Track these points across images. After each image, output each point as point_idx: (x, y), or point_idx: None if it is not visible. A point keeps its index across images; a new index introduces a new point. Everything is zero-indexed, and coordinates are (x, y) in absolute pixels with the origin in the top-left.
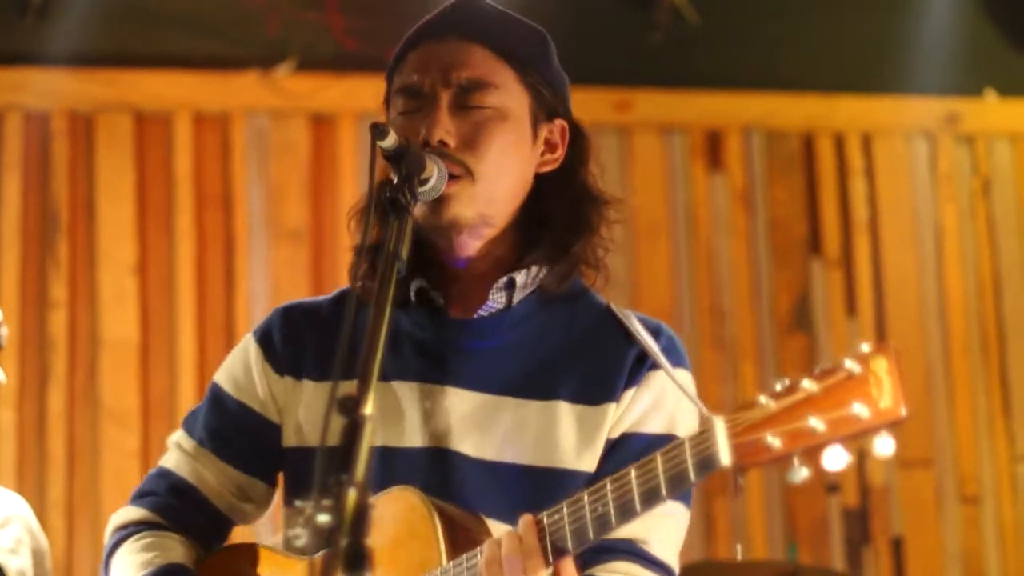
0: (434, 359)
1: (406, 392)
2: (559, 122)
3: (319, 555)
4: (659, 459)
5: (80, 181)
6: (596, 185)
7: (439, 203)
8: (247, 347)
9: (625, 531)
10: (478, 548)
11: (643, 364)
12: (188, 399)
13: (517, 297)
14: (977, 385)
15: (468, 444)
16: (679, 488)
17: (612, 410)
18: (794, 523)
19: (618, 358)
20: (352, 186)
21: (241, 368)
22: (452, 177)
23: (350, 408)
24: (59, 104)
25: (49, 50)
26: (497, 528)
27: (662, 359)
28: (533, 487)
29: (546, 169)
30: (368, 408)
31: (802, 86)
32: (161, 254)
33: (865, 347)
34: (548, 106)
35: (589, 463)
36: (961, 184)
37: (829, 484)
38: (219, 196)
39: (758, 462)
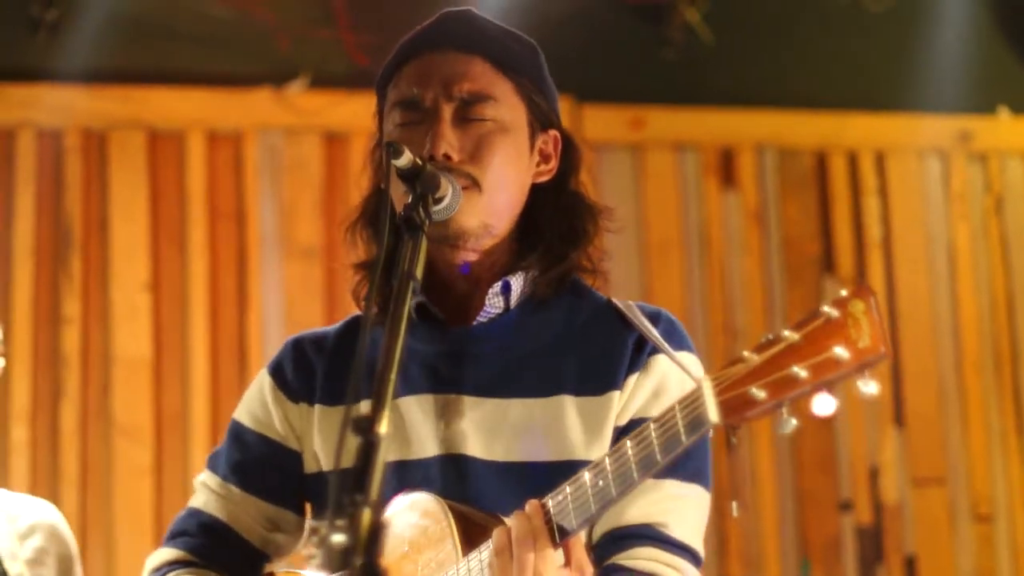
0: (438, 370)
1: (414, 405)
2: (552, 133)
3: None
4: (652, 426)
5: (93, 198)
6: (588, 195)
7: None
8: (262, 381)
9: (642, 515)
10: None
11: (643, 350)
12: (201, 416)
13: (514, 300)
14: (990, 403)
15: (479, 448)
16: (672, 451)
17: (616, 398)
18: (807, 541)
19: (617, 346)
20: None
21: (258, 402)
22: (462, 189)
23: (364, 428)
24: (72, 121)
25: (62, 67)
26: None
27: (662, 342)
28: (547, 483)
29: (541, 180)
30: (383, 427)
31: (815, 104)
32: (174, 271)
33: (843, 292)
34: (542, 117)
35: (599, 452)
36: (974, 202)
37: (842, 502)
38: (232, 213)
39: (747, 416)
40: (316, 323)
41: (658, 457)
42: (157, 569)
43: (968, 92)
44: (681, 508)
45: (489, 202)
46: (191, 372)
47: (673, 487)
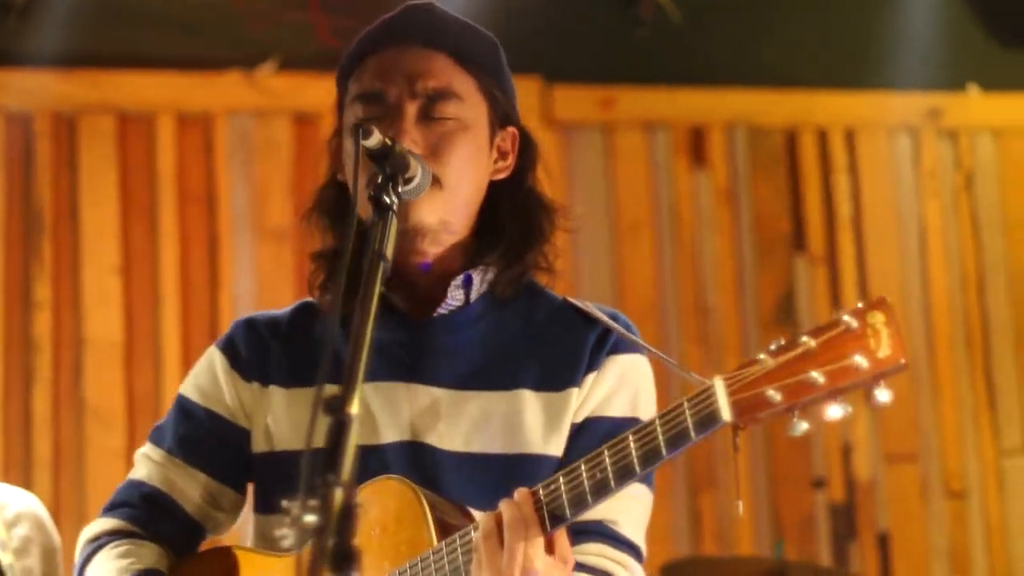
0: (399, 359)
1: (373, 393)
2: (511, 129)
3: (305, 550)
4: (658, 422)
5: (63, 182)
6: (544, 192)
7: (404, 208)
8: (211, 357)
9: (597, 512)
10: (470, 525)
11: (602, 349)
12: (172, 399)
13: (474, 294)
14: (962, 380)
15: (437, 437)
16: (679, 446)
17: (575, 394)
18: (780, 519)
19: (577, 344)
20: None
21: (207, 378)
22: None
23: (336, 408)
24: (42, 105)
25: (31, 51)
26: (476, 516)
27: (628, 334)
28: (503, 474)
29: (499, 177)
30: (354, 408)
31: (785, 82)
32: (145, 254)
33: (860, 304)
34: (502, 113)
35: (556, 447)
36: (944, 179)
37: (815, 480)
38: (202, 196)
39: (759, 417)
40: (287, 305)
41: (664, 452)
42: (95, 539)
43: (938, 69)
44: (632, 507)
45: (449, 199)
46: (163, 355)
47: (631, 487)
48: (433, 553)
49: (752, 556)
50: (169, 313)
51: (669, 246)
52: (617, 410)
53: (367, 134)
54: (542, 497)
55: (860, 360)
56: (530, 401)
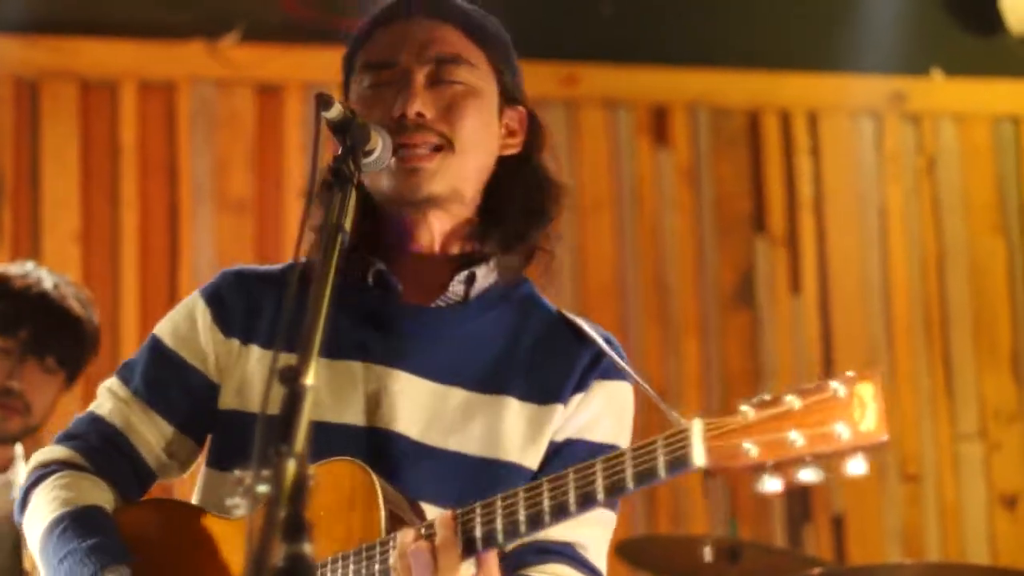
0: (388, 342)
1: (356, 371)
2: (520, 109)
3: (253, 516)
4: (629, 455)
5: (24, 149)
6: (552, 173)
7: (414, 177)
8: (194, 304)
9: (566, 535)
10: (393, 534)
11: (593, 371)
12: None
13: (475, 291)
14: (920, 364)
15: (413, 428)
16: (646, 483)
17: (560, 412)
18: (735, 499)
19: (569, 362)
20: (298, 157)
21: (185, 325)
22: (435, 149)
23: (291, 378)
24: (3, 71)
25: None
26: (432, 513)
27: (616, 359)
28: (475, 477)
29: (507, 152)
30: (309, 379)
31: (748, 63)
32: (105, 223)
33: (851, 373)
34: (510, 92)
35: (533, 460)
36: (906, 163)
37: None
38: (164, 165)
39: (732, 467)
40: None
41: (630, 485)
42: (44, 464)
43: (902, 53)
44: (601, 534)
45: (462, 164)
46: (121, 324)
47: (601, 513)
48: (354, 553)
49: (706, 535)
50: (128, 282)
51: (630, 225)
52: (600, 435)
53: (327, 105)
54: (463, 521)
55: (842, 430)
56: (514, 410)
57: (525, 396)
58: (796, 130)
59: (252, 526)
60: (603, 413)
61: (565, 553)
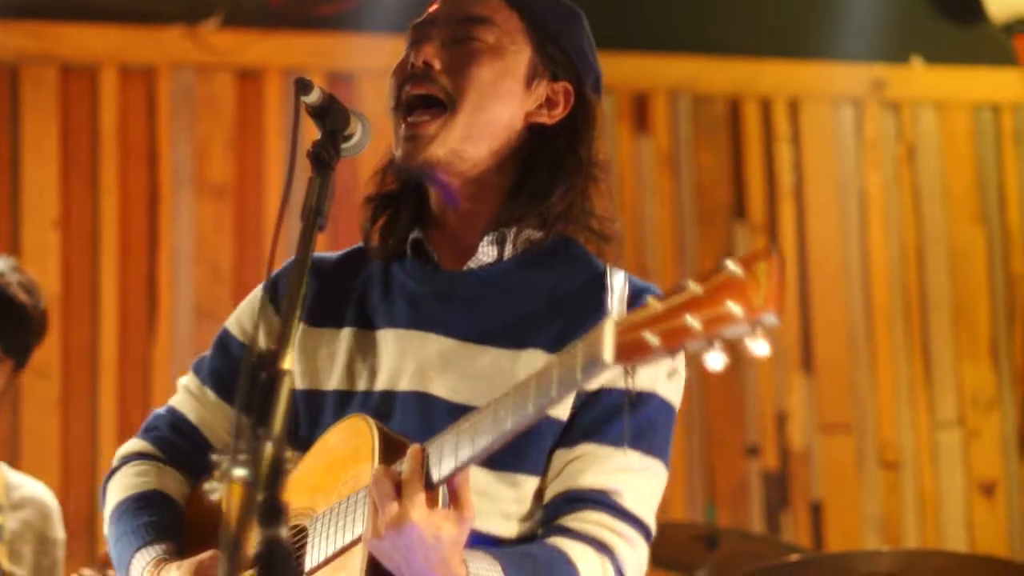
0: (422, 307)
1: (392, 338)
2: (563, 83)
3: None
4: (555, 361)
5: (3, 134)
6: (586, 148)
7: (412, 143)
8: (255, 294)
9: (598, 481)
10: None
11: None
12: (109, 352)
13: (507, 252)
14: (899, 352)
15: (445, 388)
16: (569, 389)
17: None
18: (713, 485)
19: (596, 313)
20: (278, 142)
21: (248, 313)
22: (434, 114)
23: (268, 363)
24: None
25: None
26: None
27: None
28: None
29: (539, 120)
30: (287, 363)
31: (729, 50)
32: (84, 208)
33: (752, 253)
34: (554, 66)
35: (561, 411)
36: (886, 151)
37: (749, 447)
38: (144, 151)
39: (640, 360)
40: (226, 261)
41: (554, 393)
42: (122, 457)
43: (882, 41)
44: (638, 480)
45: (465, 125)
46: (100, 309)
47: (634, 459)
48: (348, 499)
49: (685, 522)
50: (108, 268)
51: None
52: (634, 384)
53: (307, 90)
54: (429, 453)
55: (735, 308)
56: (540, 361)
57: (551, 347)
58: (776, 117)
59: (228, 510)
60: None
61: (598, 500)
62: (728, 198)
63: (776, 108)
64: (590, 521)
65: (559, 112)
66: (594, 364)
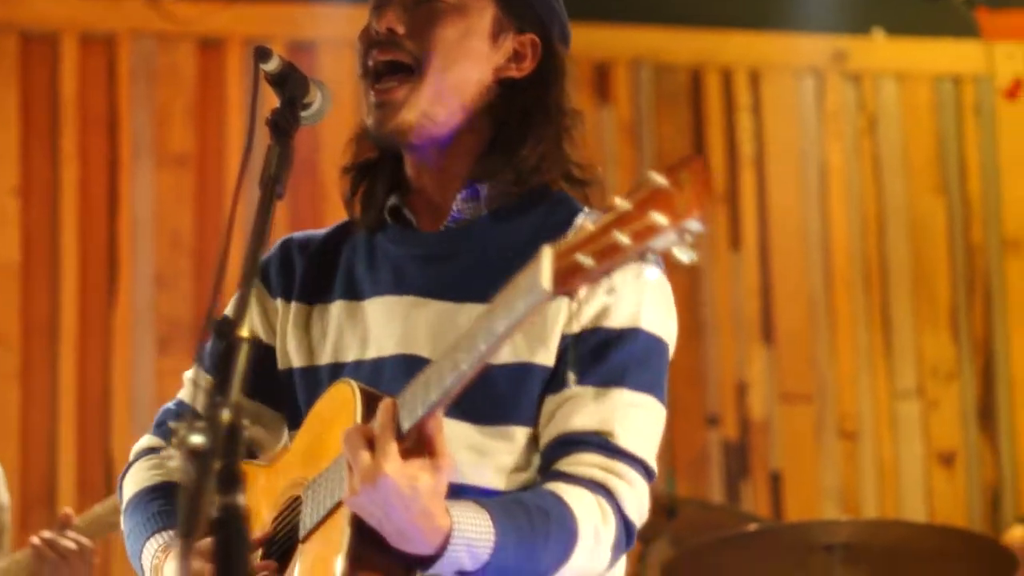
0: (404, 272)
1: (379, 306)
2: (530, 35)
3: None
4: (500, 295)
5: None
6: (556, 99)
7: (380, 110)
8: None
9: (590, 422)
10: None
11: None
12: (70, 321)
13: (482, 208)
14: (859, 322)
15: (429, 348)
16: (514, 322)
17: (566, 304)
18: (673, 455)
19: None
20: (239, 112)
21: None
22: (399, 73)
23: (226, 331)
24: None
25: None
26: (456, 426)
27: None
28: (493, 383)
29: (508, 75)
30: (244, 331)
31: (691, 21)
32: (44, 176)
33: (675, 163)
34: (519, 20)
35: (544, 357)
36: (847, 122)
37: (709, 417)
38: (104, 119)
39: (579, 283)
40: (187, 230)
41: (499, 328)
42: (138, 452)
43: (844, 12)
44: (632, 417)
45: (431, 86)
46: (60, 278)
47: (625, 395)
48: (333, 463)
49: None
50: (68, 236)
51: None
52: (615, 321)
53: (266, 57)
54: (400, 402)
55: (660, 217)
56: None
57: None
58: (738, 88)
59: (186, 478)
60: (615, 300)
61: (591, 441)
62: None
63: (737, 79)
64: (584, 463)
65: (527, 65)
66: (534, 292)
